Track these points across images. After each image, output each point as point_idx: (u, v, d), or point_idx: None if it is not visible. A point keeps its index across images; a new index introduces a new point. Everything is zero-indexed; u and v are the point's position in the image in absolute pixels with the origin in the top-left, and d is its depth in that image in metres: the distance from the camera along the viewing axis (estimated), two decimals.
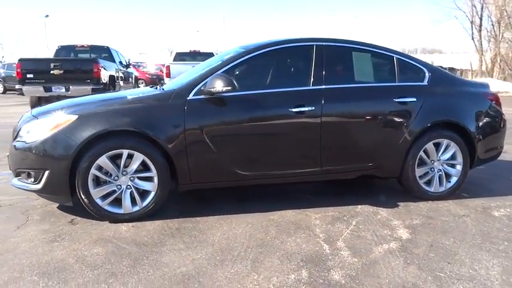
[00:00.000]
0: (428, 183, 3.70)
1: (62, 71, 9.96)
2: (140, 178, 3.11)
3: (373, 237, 2.85)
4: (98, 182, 3.06)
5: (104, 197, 3.07)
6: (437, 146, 3.67)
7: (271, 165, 3.35)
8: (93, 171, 2.98)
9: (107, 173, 3.05)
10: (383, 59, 3.73)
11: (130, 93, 3.43)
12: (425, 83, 3.68)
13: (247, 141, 3.25)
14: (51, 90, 9.90)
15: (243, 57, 3.36)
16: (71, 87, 9.74)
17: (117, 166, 3.04)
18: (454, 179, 3.75)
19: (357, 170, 3.55)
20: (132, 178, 3.09)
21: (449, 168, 3.74)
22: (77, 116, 3.01)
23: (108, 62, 11.49)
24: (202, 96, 3.16)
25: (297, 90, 3.39)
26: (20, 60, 10.21)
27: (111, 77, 11.13)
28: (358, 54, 3.59)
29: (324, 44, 3.49)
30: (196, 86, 3.19)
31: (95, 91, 9.39)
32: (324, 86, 3.38)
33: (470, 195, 3.86)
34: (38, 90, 9.97)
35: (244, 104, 3.25)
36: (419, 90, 3.63)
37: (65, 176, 2.94)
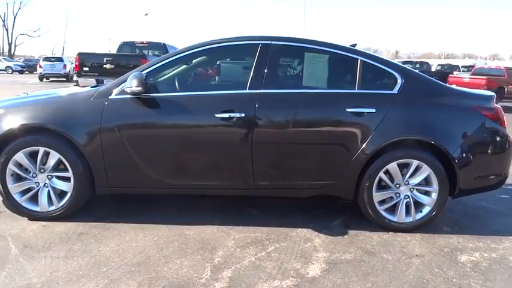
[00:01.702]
0: (392, 211, 3.10)
1: (113, 66, 10.58)
2: (59, 177, 3.04)
3: (272, 271, 2.43)
4: (19, 178, 3.06)
5: (23, 193, 3.06)
6: (404, 167, 3.05)
7: (197, 176, 3.05)
8: (11, 166, 2.98)
9: (26, 170, 3.04)
10: (344, 62, 3.18)
11: (67, 91, 3.39)
12: (394, 91, 3.06)
13: (168, 147, 3.00)
14: (102, 83, 10.56)
15: (174, 56, 3.11)
16: None
17: (36, 163, 3.01)
18: (426, 209, 3.08)
19: (302, 188, 3.09)
20: (49, 176, 3.04)
21: (421, 195, 3.09)
22: (3, 110, 3.04)
23: None
24: (122, 96, 2.98)
25: (227, 93, 3.04)
26: (79, 54, 11.05)
27: None
28: (312, 56, 3.11)
29: (270, 43, 3.08)
30: (120, 85, 3.02)
31: None
32: (261, 90, 2.98)
33: (453, 230, 3.16)
34: (91, 82, 10.69)
35: (165, 107, 2.99)
36: (383, 99, 3.03)
37: None
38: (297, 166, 3.04)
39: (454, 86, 3.81)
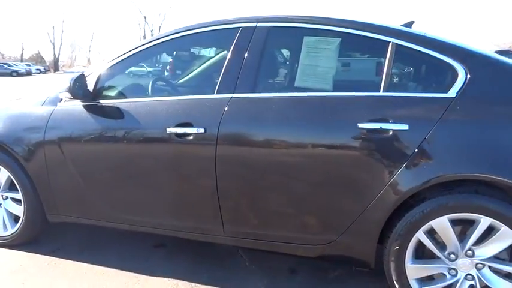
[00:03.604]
0: None
1: None
2: (13, 199, 2.60)
3: None
4: None
5: None
6: (464, 225, 1.76)
7: (149, 211, 2.27)
8: None
9: None
10: (364, 48, 2.04)
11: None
12: (449, 93, 1.78)
13: (110, 170, 2.29)
14: None
15: (131, 52, 2.36)
16: None
17: None
18: None
19: (292, 243, 2.04)
20: (4, 197, 2.62)
21: (498, 278, 1.75)
22: None
23: None
24: (70, 103, 2.38)
25: (185, 100, 2.17)
26: (173, 58, 11.34)
27: None
28: (314, 41, 2.01)
29: (255, 25, 2.11)
30: None
31: None
32: (232, 95, 2.04)
33: None
34: None
35: (107, 118, 2.26)
36: (426, 108, 1.79)
37: None
38: (281, 210, 2.01)
39: None
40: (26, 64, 44.84)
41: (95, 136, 2.27)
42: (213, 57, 2.63)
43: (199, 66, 2.82)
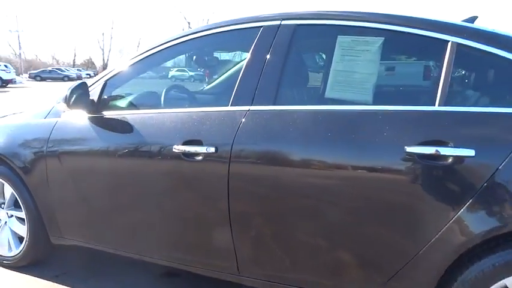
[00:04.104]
0: None
1: None
2: (18, 218, 2.40)
3: None
4: None
5: None
6: None
7: (155, 239, 1.96)
8: None
9: None
10: (415, 50, 1.61)
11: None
12: None
13: (114, 189, 2.01)
14: None
15: (140, 56, 2.07)
16: None
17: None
18: None
19: None
20: (9, 215, 2.43)
21: None
22: None
23: None
24: (71, 115, 2.13)
25: (194, 113, 1.84)
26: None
27: None
28: (351, 42, 1.62)
29: (279, 24, 1.75)
30: None
31: None
32: (249, 107, 1.70)
33: None
34: None
35: (112, 132, 1.98)
36: (498, 129, 1.35)
37: None
38: (309, 247, 1.63)
39: None
40: (77, 69, 46.95)
41: (96, 152, 2.00)
42: (231, 62, 2.30)
43: (219, 73, 2.51)
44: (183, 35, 1.96)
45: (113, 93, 2.13)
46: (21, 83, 26.96)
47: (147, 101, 2.19)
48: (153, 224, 1.93)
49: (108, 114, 2.03)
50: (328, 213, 1.55)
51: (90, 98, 2.04)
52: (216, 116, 1.75)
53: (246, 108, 1.69)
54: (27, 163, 2.21)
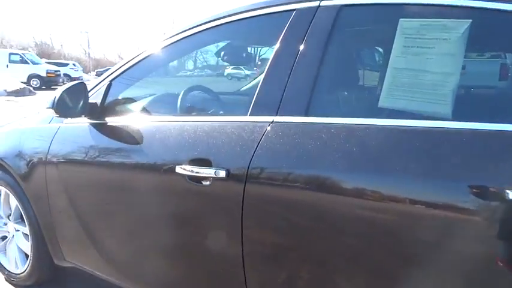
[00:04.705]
0: None
1: None
2: (24, 233, 2.16)
3: None
4: None
5: None
6: None
7: (158, 274, 1.59)
8: None
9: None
10: None
11: None
12: None
13: (112, 210, 1.66)
14: None
15: (150, 52, 1.69)
16: None
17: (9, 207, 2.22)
18: None
19: None
20: (16, 229, 2.19)
21: None
22: None
23: None
24: (76, 120, 1.81)
25: (207, 123, 1.42)
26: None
27: None
28: (423, 27, 1.12)
29: (318, 5, 1.29)
30: None
31: None
32: (274, 118, 1.25)
33: None
34: None
35: (112, 143, 1.63)
36: None
37: None
38: None
39: None
40: None
41: (94, 166, 1.67)
42: (256, 57, 1.87)
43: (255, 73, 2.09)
44: (192, 26, 1.56)
45: (119, 97, 1.79)
46: (88, 80, 28.45)
47: (160, 105, 1.82)
48: (156, 255, 1.56)
49: (111, 121, 1.69)
50: (387, 259, 1.07)
51: (92, 101, 1.72)
52: (230, 128, 1.33)
53: (269, 119, 1.26)
54: (27, 172, 1.93)
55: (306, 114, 1.21)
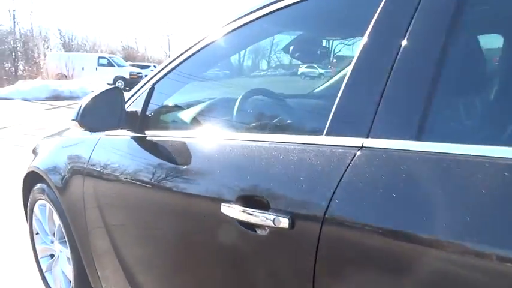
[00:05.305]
0: None
1: None
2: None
3: None
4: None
5: (47, 260, 2.14)
6: None
7: None
8: (34, 218, 2.12)
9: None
10: None
11: None
12: None
13: (150, 240, 1.34)
14: None
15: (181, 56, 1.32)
16: None
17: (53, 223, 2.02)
18: None
19: None
20: (60, 249, 1.98)
21: None
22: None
23: None
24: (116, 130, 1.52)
25: (263, 146, 0.99)
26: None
27: None
28: None
29: None
30: None
31: None
32: (363, 140, 0.80)
33: None
34: None
35: (151, 161, 1.30)
36: None
37: None
38: None
39: None
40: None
41: (130, 186, 1.35)
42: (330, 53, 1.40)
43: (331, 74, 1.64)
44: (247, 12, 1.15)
45: (164, 103, 1.46)
46: None
47: (208, 116, 1.44)
48: None
49: (150, 134, 1.36)
50: None
51: (131, 110, 1.41)
52: (296, 153, 0.90)
53: (356, 142, 0.81)
54: (65, 187, 1.70)
55: (418, 138, 0.75)
